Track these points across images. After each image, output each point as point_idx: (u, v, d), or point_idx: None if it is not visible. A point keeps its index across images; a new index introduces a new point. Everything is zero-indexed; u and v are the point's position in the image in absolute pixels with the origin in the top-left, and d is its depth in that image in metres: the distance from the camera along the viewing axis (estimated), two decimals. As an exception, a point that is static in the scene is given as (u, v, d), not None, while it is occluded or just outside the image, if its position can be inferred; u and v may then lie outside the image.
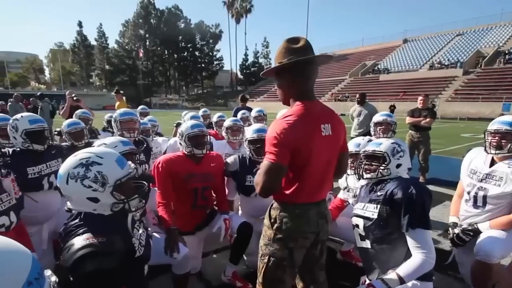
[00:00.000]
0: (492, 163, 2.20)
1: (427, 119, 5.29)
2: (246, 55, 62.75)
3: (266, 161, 1.37)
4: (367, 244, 1.85)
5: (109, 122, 4.62)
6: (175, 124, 5.33)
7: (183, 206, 2.46)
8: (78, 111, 4.76)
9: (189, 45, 61.65)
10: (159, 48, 59.56)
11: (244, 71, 62.52)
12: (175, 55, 61.60)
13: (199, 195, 2.45)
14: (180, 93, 66.02)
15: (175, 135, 5.08)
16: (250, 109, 5.79)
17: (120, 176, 1.34)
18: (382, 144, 1.92)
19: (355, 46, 51.69)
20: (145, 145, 3.25)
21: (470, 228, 2.21)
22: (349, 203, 2.70)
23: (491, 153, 2.18)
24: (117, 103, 7.64)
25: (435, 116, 5.52)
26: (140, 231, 1.52)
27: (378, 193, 1.80)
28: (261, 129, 2.67)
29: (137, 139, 3.14)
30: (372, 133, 3.53)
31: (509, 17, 35.64)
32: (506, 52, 28.90)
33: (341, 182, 2.77)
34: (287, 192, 1.48)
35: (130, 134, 3.02)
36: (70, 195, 1.31)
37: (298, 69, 1.42)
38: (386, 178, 1.85)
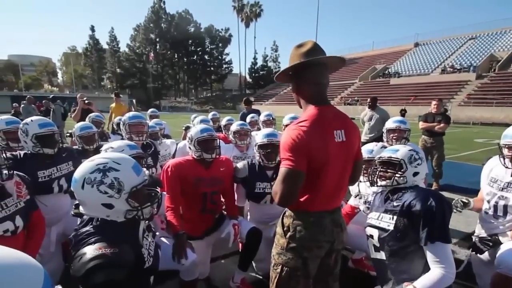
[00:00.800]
0: None
1: (441, 125, 5.18)
2: (255, 58, 63.00)
3: (283, 168, 1.32)
4: (381, 255, 1.79)
5: (118, 125, 4.66)
6: (184, 128, 5.34)
7: (192, 211, 2.42)
8: (92, 114, 4.79)
9: (198, 49, 62.23)
10: (169, 52, 60.27)
11: (253, 74, 62.71)
12: (185, 59, 62.24)
13: (208, 199, 2.42)
14: (189, 96, 66.59)
15: (184, 138, 5.06)
16: (258, 112, 5.75)
17: (136, 183, 1.33)
18: (399, 150, 1.86)
19: (364, 49, 51.59)
20: (152, 149, 3.25)
21: (489, 238, 2.14)
22: (360, 210, 2.63)
23: (509, 168, 2.11)
24: (113, 105, 7.71)
25: (449, 121, 5.42)
26: (150, 239, 1.50)
27: (395, 203, 1.75)
28: (272, 133, 2.63)
29: (145, 142, 3.15)
30: (385, 139, 3.44)
31: (523, 21, 34.97)
32: (500, 58, 28.32)
33: (353, 189, 2.71)
34: (301, 199, 1.43)
35: (139, 137, 3.03)
36: (84, 200, 1.30)
37: (301, 73, 1.40)
38: (402, 186, 1.79)
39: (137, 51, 58.68)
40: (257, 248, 2.40)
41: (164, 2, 57.86)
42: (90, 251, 1.17)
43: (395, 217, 1.70)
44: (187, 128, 5.27)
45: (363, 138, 5.77)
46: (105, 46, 59.78)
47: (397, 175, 1.80)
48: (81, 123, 3.32)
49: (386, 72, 39.06)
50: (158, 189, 1.57)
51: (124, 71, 57.96)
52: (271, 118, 4.64)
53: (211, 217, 2.51)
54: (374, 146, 2.68)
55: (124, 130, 3.11)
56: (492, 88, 26.16)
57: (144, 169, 1.50)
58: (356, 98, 34.26)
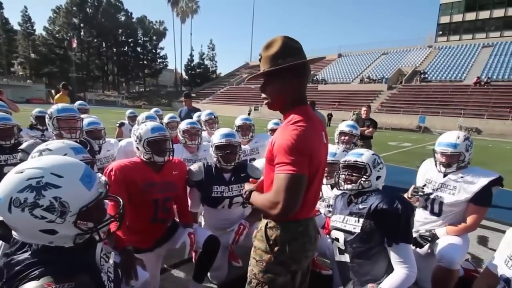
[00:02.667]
0: (446, 173, 2.34)
1: (370, 129, 5.87)
2: (191, 55, 61.79)
3: (283, 174, 1.15)
4: (346, 258, 1.82)
5: (38, 118, 4.01)
6: (118, 124, 5.05)
7: (141, 220, 2.12)
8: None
9: (130, 40, 58.51)
10: (95, 40, 55.43)
11: (190, 71, 61.49)
12: (114, 49, 58.02)
13: (160, 207, 2.15)
14: (120, 90, 62.17)
15: (118, 136, 4.84)
16: (198, 110, 5.64)
17: (87, 201, 1.01)
18: (363, 154, 1.89)
19: (296, 56, 54.26)
20: (88, 148, 2.66)
21: (427, 234, 2.32)
22: (320, 213, 2.57)
23: (441, 171, 2.34)
24: (57, 96, 6.98)
25: (376, 126, 6.14)
26: (110, 261, 1.22)
27: (360, 206, 1.76)
28: (230, 133, 2.50)
29: (78, 140, 2.63)
30: (336, 140, 3.59)
31: (423, 41, 41.40)
32: (422, 71, 33.44)
33: None
34: None
35: (71, 134, 2.59)
36: (15, 226, 0.97)
37: (303, 70, 1.28)
38: (366, 190, 1.83)
39: (57, 35, 52.55)
40: (215, 257, 2.22)
41: (89, -15, 53.03)
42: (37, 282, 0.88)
43: (361, 220, 1.71)
44: (122, 125, 5.06)
45: None
46: (17, 27, 52.21)
47: (362, 179, 1.81)
48: None
49: (315, 78, 42.23)
50: (121, 200, 1.22)
51: (40, 56, 51.30)
52: (213, 117, 4.22)
53: (162, 227, 2.25)
54: (337, 149, 2.70)
55: (51, 125, 2.62)
56: (399, 98, 30.36)
57: (99, 175, 1.19)
58: (288, 101, 36.22)
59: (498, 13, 36.23)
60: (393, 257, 1.64)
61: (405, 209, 1.63)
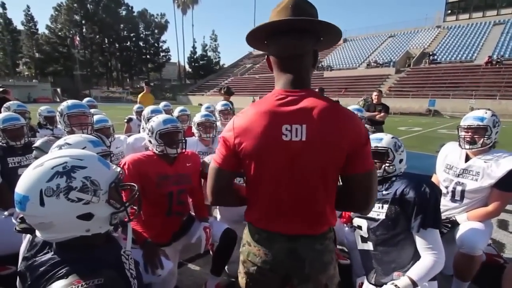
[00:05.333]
0: (467, 158, 2.25)
1: (381, 114, 5.82)
2: (194, 47, 61.55)
3: (211, 164, 1.18)
4: (369, 246, 1.76)
5: (47, 118, 4.06)
6: (126, 120, 5.02)
7: (156, 214, 2.12)
8: (11, 103, 4.08)
9: (132, 35, 58.38)
10: (97, 36, 55.38)
11: (193, 64, 61.25)
12: (117, 45, 57.94)
13: (175, 199, 2.15)
14: (124, 85, 62.29)
15: (126, 132, 4.79)
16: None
17: (112, 178, 1.04)
18: (383, 139, 1.81)
19: (300, 42, 53.57)
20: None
21: (447, 220, 2.25)
22: None
23: (465, 148, 2.23)
24: (141, 95, 7.25)
25: (388, 111, 6.07)
26: (129, 257, 1.19)
27: (384, 192, 1.69)
28: None
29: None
30: None
31: (431, 22, 40.30)
32: (430, 53, 32.65)
33: None
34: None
35: (83, 130, 2.60)
36: (51, 221, 0.93)
37: (268, 41, 1.06)
38: (390, 175, 1.74)
39: (60, 33, 52.59)
40: (232, 250, 2.20)
41: (89, -19, 52.72)
42: None
43: (385, 206, 1.65)
44: (130, 120, 5.02)
45: None
46: (20, 27, 52.40)
47: (386, 164, 1.73)
48: (4, 114, 2.86)
49: (320, 65, 41.63)
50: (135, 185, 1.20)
51: (44, 56, 51.54)
52: (228, 108, 4.26)
53: (178, 220, 2.24)
54: None
55: (62, 123, 2.65)
56: (408, 82, 29.79)
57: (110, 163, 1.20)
58: (293, 89, 35.95)
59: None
60: (420, 243, 1.57)
61: (433, 192, 1.56)
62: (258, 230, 1.15)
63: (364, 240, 1.78)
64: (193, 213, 2.42)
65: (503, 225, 3.49)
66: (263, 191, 1.08)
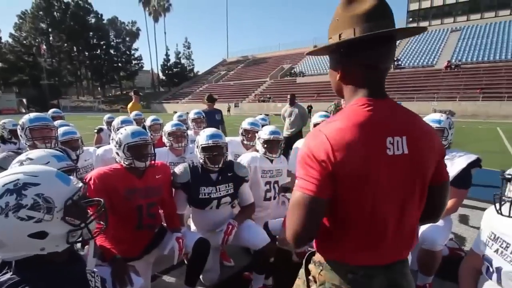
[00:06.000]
0: None
1: None
2: (167, 55, 60.84)
3: (295, 192, 0.89)
4: None
5: (12, 131, 3.77)
6: (96, 130, 4.89)
7: (126, 228, 2.06)
8: None
9: (102, 42, 56.85)
10: (66, 44, 53.40)
11: (166, 71, 60.49)
12: (86, 53, 56.18)
13: (144, 213, 2.10)
14: (95, 94, 60.40)
15: (97, 143, 4.68)
16: (220, 112, 5.81)
17: (69, 194, 1.00)
18: (442, 121, 2.06)
19: (272, 50, 54.35)
20: None
21: None
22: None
23: None
24: (130, 104, 7.05)
25: None
26: (94, 274, 1.16)
27: None
28: (217, 134, 2.42)
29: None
30: None
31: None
32: (396, 58, 34.27)
33: None
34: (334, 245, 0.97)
35: (46, 144, 2.48)
36: (1, 239, 0.91)
37: (353, 51, 0.89)
38: None
39: (25, 42, 50.31)
40: (206, 260, 2.20)
41: (55, -12, 50.93)
42: None
43: None
44: (100, 130, 4.89)
45: (285, 133, 5.98)
46: (-21, 35, 49.56)
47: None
48: None
49: (293, 71, 42.51)
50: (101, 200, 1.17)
51: (8, 65, 48.83)
52: (201, 116, 4.25)
53: (149, 233, 2.19)
54: None
55: (24, 136, 2.51)
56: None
57: (73, 177, 1.14)
58: (268, 95, 36.44)
59: (465, -4, 37.64)
60: None
61: None
62: (352, 268, 0.94)
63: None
64: (165, 224, 2.36)
65: (464, 219, 3.73)
66: (363, 217, 0.89)
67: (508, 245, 1.35)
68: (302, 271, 1.08)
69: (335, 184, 0.85)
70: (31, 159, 1.59)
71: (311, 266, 1.04)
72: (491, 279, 1.40)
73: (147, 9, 56.92)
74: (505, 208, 1.33)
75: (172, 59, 61.23)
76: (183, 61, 62.64)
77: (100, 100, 52.72)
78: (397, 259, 0.96)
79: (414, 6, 41.54)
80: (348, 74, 0.93)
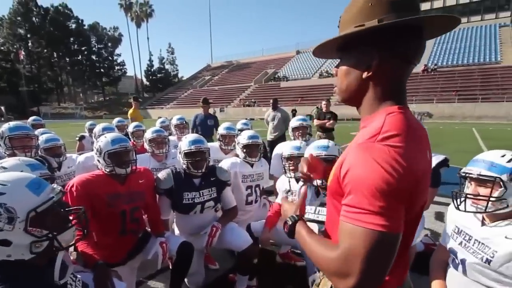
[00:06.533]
0: None
1: (330, 121, 6.26)
2: (150, 60, 60.38)
3: (361, 229, 0.67)
4: None
5: None
6: (77, 138, 4.87)
7: (109, 234, 2.07)
8: None
9: (83, 48, 55.83)
10: (45, 50, 52.16)
11: (150, 77, 59.89)
12: (67, 59, 55.06)
13: (128, 218, 2.11)
14: (77, 101, 59.20)
15: (79, 150, 4.66)
16: (215, 118, 5.85)
17: (34, 205, 1.01)
18: (329, 147, 2.00)
19: (256, 55, 54.81)
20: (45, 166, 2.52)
21: None
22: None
23: None
24: (131, 110, 7.01)
25: (337, 118, 6.53)
26: (76, 279, 1.18)
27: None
28: (199, 140, 2.45)
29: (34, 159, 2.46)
30: (292, 137, 3.64)
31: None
32: None
33: (280, 186, 2.71)
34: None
35: (26, 153, 2.46)
36: None
37: (387, 42, 0.73)
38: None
39: (2, 48, 48.89)
40: (190, 263, 2.20)
41: (34, -7, 49.76)
42: None
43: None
44: (82, 138, 4.87)
45: (268, 137, 6.23)
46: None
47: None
48: None
49: (276, 76, 42.93)
50: (82, 207, 1.24)
51: (-16, 72, 47.31)
52: (184, 122, 4.27)
53: (133, 238, 2.19)
54: (300, 143, 2.64)
55: (3, 145, 2.47)
56: (358, 90, 31.86)
57: (54, 185, 1.18)
58: (253, 100, 36.66)
59: (438, 3, 39.34)
60: None
61: None
62: None
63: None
64: (148, 229, 2.37)
65: (439, 216, 3.92)
66: (407, 240, 0.78)
67: (470, 238, 1.43)
68: None
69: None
70: (4, 168, 1.59)
71: None
72: (457, 270, 1.48)
73: (129, 14, 56.37)
74: (463, 204, 1.45)
75: (156, 64, 60.86)
76: (167, 66, 62.30)
77: (83, 106, 51.61)
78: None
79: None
80: (383, 71, 0.75)
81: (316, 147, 2.02)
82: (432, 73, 29.56)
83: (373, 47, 0.74)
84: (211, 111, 6.37)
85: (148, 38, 61.34)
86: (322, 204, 1.72)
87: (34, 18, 50.53)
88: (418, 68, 30.91)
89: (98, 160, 2.12)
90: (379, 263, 0.68)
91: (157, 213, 2.36)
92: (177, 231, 2.63)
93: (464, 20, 37.87)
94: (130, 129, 4.18)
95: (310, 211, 1.79)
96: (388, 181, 0.65)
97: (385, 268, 0.69)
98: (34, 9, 50.36)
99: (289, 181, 2.60)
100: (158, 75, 60.27)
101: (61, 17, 52.36)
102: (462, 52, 31.75)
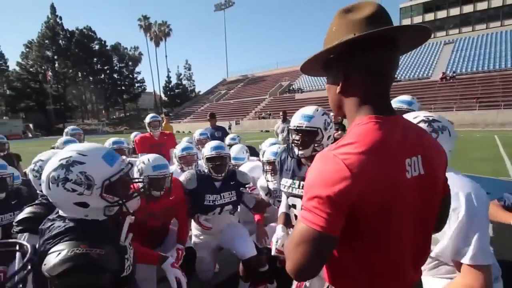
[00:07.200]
0: None
1: (338, 132, 6.27)
2: (168, 77, 62.55)
3: (302, 224, 0.77)
4: None
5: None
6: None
7: (139, 230, 2.17)
8: None
9: (106, 67, 58.64)
10: (70, 71, 55.25)
11: (168, 92, 61.88)
12: (91, 78, 57.93)
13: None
14: (100, 117, 61.82)
15: None
16: (224, 130, 5.93)
17: (108, 175, 1.16)
18: (313, 117, 1.82)
19: (270, 68, 55.53)
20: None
21: None
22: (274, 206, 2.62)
23: None
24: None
25: (345, 129, 6.56)
26: (130, 248, 1.30)
27: None
28: (219, 146, 2.59)
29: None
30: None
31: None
32: None
33: (262, 184, 2.77)
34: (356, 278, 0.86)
35: None
36: (56, 201, 1.16)
37: (354, 57, 0.80)
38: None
39: (31, 69, 52.03)
40: (194, 265, 2.47)
41: (60, 18, 53.15)
42: (70, 247, 1.03)
43: None
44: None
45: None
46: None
47: (315, 144, 1.79)
48: None
49: (291, 88, 43.31)
50: (141, 178, 1.46)
51: (15, 92, 50.48)
52: (207, 137, 4.34)
53: (158, 237, 2.47)
54: (277, 148, 2.66)
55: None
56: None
57: (124, 157, 1.34)
58: (268, 112, 37.06)
59: (454, 11, 38.83)
60: None
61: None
62: None
63: (297, 217, 1.84)
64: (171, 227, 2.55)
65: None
66: (388, 246, 0.81)
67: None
68: None
69: (354, 216, 0.75)
70: (42, 160, 1.80)
71: None
72: None
73: (148, 34, 58.95)
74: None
75: (174, 80, 62.88)
76: (184, 82, 64.20)
77: (105, 122, 53.80)
78: (417, 280, 0.92)
79: (406, 22, 42.68)
80: (350, 84, 0.82)
81: (300, 116, 1.83)
82: (451, 80, 28.99)
83: (339, 64, 0.82)
84: (226, 124, 6.58)
85: (166, 55, 63.99)
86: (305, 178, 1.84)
87: (60, 41, 53.75)
88: (436, 76, 30.47)
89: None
90: (309, 256, 0.75)
91: (185, 222, 2.52)
92: (193, 228, 2.74)
93: (483, 26, 37.19)
94: (197, 135, 4.32)
95: (293, 186, 1.86)
96: (318, 181, 0.74)
97: (311, 262, 0.77)
98: (61, 33, 53.63)
99: (267, 185, 2.65)
100: (176, 90, 62.16)
101: (85, 39, 55.43)
102: (482, 59, 31.03)
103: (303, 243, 0.76)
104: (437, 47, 37.01)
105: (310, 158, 1.84)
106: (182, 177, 2.58)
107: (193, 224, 2.76)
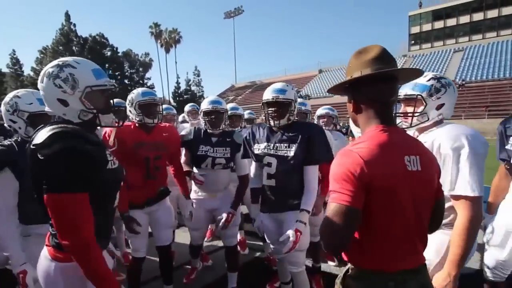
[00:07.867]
0: None
1: (350, 138, 6.68)
2: (178, 83, 63.14)
3: (332, 204, 1.01)
4: (272, 182, 2.09)
5: None
6: None
7: (136, 177, 2.37)
8: None
9: (117, 73, 59.72)
10: (83, 76, 56.37)
11: (178, 98, 62.60)
12: (102, 83, 58.99)
13: (151, 165, 2.43)
14: (109, 122, 62.61)
15: None
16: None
17: (91, 84, 1.33)
18: (286, 91, 2.10)
19: (278, 75, 55.76)
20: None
21: None
22: None
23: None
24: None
25: (353, 134, 6.82)
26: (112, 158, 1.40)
27: (291, 134, 2.05)
28: (217, 101, 2.65)
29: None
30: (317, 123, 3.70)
31: (396, 51, 43.17)
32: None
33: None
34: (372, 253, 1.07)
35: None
36: (44, 94, 1.32)
37: (363, 88, 1.11)
38: (291, 121, 2.11)
39: (45, 75, 53.24)
40: (171, 262, 2.72)
41: (74, 25, 54.59)
42: (52, 126, 1.22)
43: (293, 145, 2.00)
44: None
45: None
46: (5, 70, 53.03)
47: (289, 114, 2.08)
48: None
49: (299, 95, 43.21)
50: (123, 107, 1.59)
51: (29, 97, 51.64)
52: (196, 108, 4.82)
53: (154, 184, 2.48)
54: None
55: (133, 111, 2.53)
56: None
57: (112, 81, 1.48)
58: (275, 118, 37.12)
59: (464, 19, 38.58)
60: (309, 175, 2.02)
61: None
62: (392, 276, 1.05)
63: (270, 176, 2.10)
64: (170, 187, 2.61)
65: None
66: (395, 225, 1.04)
67: None
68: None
69: (368, 197, 0.99)
70: (18, 97, 1.96)
71: (349, 282, 1.12)
72: None
73: (159, 41, 60.06)
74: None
75: (183, 86, 63.55)
76: (193, 88, 64.81)
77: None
78: (422, 263, 1.12)
79: (415, 30, 42.56)
80: (359, 106, 1.14)
81: (273, 90, 2.13)
82: (460, 88, 28.68)
83: (351, 91, 1.17)
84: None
85: (176, 62, 64.61)
86: (282, 141, 2.05)
87: (74, 47, 54.98)
88: (444, 84, 30.14)
89: (130, 111, 2.46)
90: (340, 228, 0.98)
91: (179, 164, 2.69)
92: (194, 189, 2.82)
93: (493, 34, 36.78)
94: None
95: (268, 147, 2.11)
96: (342, 170, 1.01)
97: (345, 232, 0.99)
98: (75, 39, 54.91)
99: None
100: (185, 96, 62.74)
101: (98, 46, 56.63)
102: (492, 67, 30.69)
103: (336, 217, 0.98)
104: (447, 55, 36.77)
105: (286, 127, 2.11)
106: (183, 131, 2.76)
107: (193, 183, 2.80)
